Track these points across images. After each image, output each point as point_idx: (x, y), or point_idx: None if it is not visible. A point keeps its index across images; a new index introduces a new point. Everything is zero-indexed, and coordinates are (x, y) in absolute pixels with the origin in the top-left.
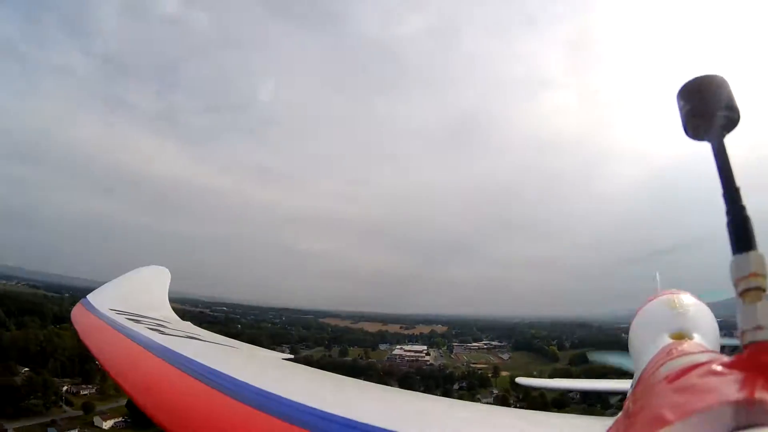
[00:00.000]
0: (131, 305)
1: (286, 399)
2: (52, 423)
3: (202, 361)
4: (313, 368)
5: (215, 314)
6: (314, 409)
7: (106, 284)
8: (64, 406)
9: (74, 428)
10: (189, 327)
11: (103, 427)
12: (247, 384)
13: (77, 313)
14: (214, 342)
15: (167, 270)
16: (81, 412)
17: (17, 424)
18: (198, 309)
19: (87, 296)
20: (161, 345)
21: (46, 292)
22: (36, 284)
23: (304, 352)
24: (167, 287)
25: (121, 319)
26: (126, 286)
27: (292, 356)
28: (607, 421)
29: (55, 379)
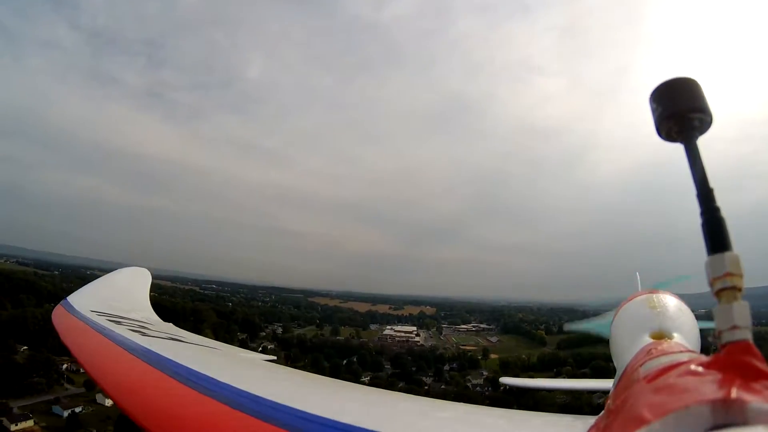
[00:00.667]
0: (112, 306)
1: (267, 400)
2: (56, 401)
3: (184, 363)
4: (294, 369)
5: (205, 292)
6: (296, 409)
7: (86, 286)
8: (66, 384)
9: (78, 405)
10: (171, 328)
11: (106, 404)
12: (228, 385)
13: (58, 315)
14: (195, 343)
15: (147, 271)
16: (83, 390)
17: (22, 402)
18: (188, 286)
19: (67, 297)
20: (143, 347)
21: (36, 269)
22: (25, 261)
23: (297, 331)
24: (148, 288)
25: (103, 321)
26: (107, 288)
27: (274, 357)
28: (590, 420)
29: (55, 357)
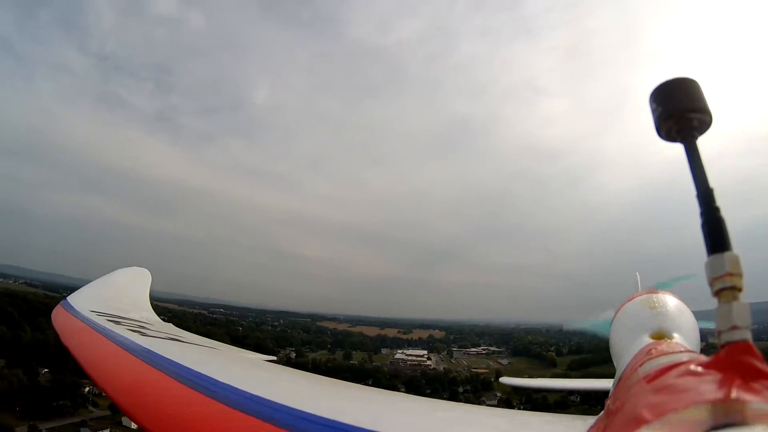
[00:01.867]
0: (112, 306)
1: (268, 400)
2: (83, 423)
3: (184, 363)
4: (294, 369)
5: (214, 316)
6: (296, 410)
7: (86, 286)
8: (90, 407)
9: (105, 428)
10: (170, 328)
11: (132, 426)
12: (229, 385)
13: (57, 315)
14: (195, 343)
15: (148, 271)
16: (108, 413)
17: (50, 425)
18: (196, 310)
19: (67, 298)
20: (142, 347)
21: (45, 291)
22: (34, 283)
23: (311, 355)
24: (148, 288)
25: (102, 321)
26: (106, 288)
27: (274, 357)
28: (590, 420)
29: (78, 379)
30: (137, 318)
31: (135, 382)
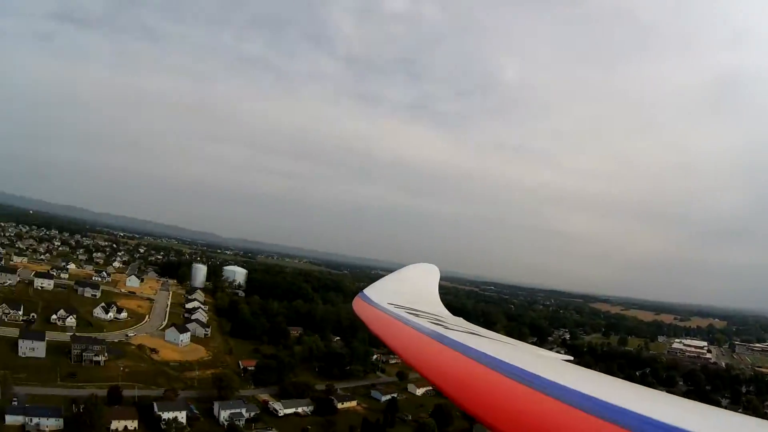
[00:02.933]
0: (407, 300)
1: (604, 401)
2: (373, 386)
3: (501, 358)
4: (594, 371)
5: (485, 293)
6: (635, 413)
7: (379, 280)
8: (379, 373)
9: (392, 392)
10: (462, 322)
11: (416, 393)
12: (563, 386)
13: (358, 305)
14: (493, 338)
15: (436, 267)
16: (395, 379)
17: (343, 385)
18: (467, 287)
19: (363, 291)
20: (449, 338)
21: (329, 269)
22: (316, 261)
23: (586, 338)
24: (437, 284)
25: (403, 313)
26: (399, 282)
27: (571, 357)
28: None
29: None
30: (431, 311)
31: (462, 375)
